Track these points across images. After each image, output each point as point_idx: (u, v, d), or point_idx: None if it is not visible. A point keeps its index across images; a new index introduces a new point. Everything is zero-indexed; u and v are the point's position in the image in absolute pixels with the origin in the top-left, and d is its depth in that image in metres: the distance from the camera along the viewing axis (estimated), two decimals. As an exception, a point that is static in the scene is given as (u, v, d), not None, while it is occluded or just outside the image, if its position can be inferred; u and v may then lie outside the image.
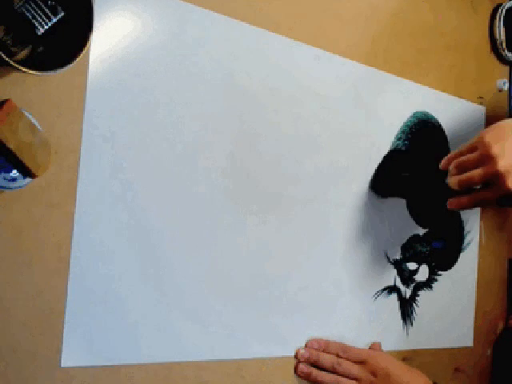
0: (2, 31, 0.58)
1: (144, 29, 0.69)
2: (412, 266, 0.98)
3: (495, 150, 0.77)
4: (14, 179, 0.58)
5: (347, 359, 0.85)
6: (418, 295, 0.99)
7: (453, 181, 0.81)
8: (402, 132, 0.96)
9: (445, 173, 0.83)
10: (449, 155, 0.84)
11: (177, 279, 0.72)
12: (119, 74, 0.67)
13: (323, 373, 0.83)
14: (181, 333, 0.72)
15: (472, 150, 0.80)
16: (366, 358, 0.85)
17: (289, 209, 0.82)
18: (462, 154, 0.82)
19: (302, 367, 0.83)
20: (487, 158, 0.77)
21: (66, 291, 0.64)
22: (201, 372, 0.74)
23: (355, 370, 0.84)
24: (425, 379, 0.87)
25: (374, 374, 0.84)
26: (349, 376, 0.83)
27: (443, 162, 0.84)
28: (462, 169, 0.80)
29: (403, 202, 0.96)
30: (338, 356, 0.85)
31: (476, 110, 1.08)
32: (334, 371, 0.83)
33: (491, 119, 1.11)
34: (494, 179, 0.77)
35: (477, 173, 0.78)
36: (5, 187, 0.58)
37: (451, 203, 0.83)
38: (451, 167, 0.82)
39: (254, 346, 0.79)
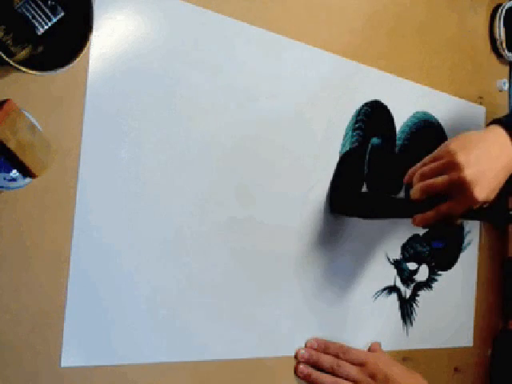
0: (2, 31, 0.58)
1: (144, 29, 0.69)
2: (412, 266, 0.98)
3: (461, 157, 0.73)
4: (13, 179, 0.58)
5: (347, 361, 0.85)
6: (418, 295, 0.99)
7: (414, 189, 0.77)
8: (402, 132, 0.96)
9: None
10: (411, 168, 0.80)
11: (176, 279, 0.72)
12: (119, 73, 0.67)
13: (323, 374, 0.83)
14: (180, 333, 0.72)
15: (436, 159, 0.77)
16: (365, 361, 0.85)
17: (289, 206, 0.82)
18: (425, 165, 0.78)
19: (302, 368, 0.83)
20: (452, 166, 0.74)
21: (66, 291, 0.64)
22: (201, 372, 0.74)
23: (354, 372, 0.84)
24: (424, 383, 0.87)
25: (373, 376, 0.84)
26: (348, 378, 0.83)
27: (406, 176, 0.80)
28: (426, 178, 0.76)
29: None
30: (337, 357, 0.85)
31: (476, 110, 1.08)
32: (333, 372, 0.83)
33: (491, 119, 1.10)
34: (460, 188, 0.73)
35: (440, 179, 0.74)
36: (5, 187, 0.58)
37: (415, 220, 0.78)
38: (414, 178, 0.78)
39: (254, 346, 0.79)
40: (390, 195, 0.92)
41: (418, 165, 0.79)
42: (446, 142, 0.77)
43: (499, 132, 0.78)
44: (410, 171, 0.80)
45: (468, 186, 0.73)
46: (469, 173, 0.73)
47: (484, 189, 0.74)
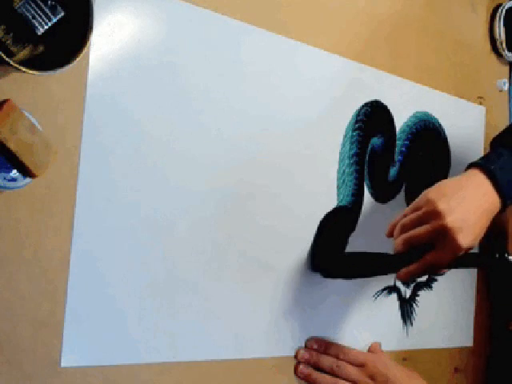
0: (2, 31, 0.58)
1: (144, 29, 0.69)
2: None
3: (441, 205, 0.72)
4: (13, 179, 0.58)
5: (347, 361, 0.85)
6: (418, 295, 0.99)
7: (397, 242, 0.75)
8: (402, 132, 0.96)
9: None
10: (391, 222, 0.78)
11: (177, 278, 0.72)
12: (119, 73, 0.67)
13: (322, 374, 0.83)
14: (180, 333, 0.72)
15: (416, 209, 0.75)
16: (365, 362, 0.85)
17: (286, 206, 0.82)
18: (405, 216, 0.77)
19: (302, 368, 0.83)
20: (433, 214, 0.72)
21: (66, 291, 0.64)
22: (201, 372, 0.74)
23: (354, 373, 0.84)
24: None
25: (372, 377, 0.84)
26: (348, 379, 0.83)
27: (387, 230, 0.78)
28: (407, 230, 0.75)
29: (403, 202, 0.96)
30: (337, 358, 0.85)
31: (476, 110, 1.08)
32: (333, 373, 0.83)
33: (491, 119, 1.11)
34: (443, 236, 0.72)
35: (423, 228, 0.73)
36: (5, 187, 0.58)
37: (400, 275, 0.77)
38: (395, 231, 0.76)
39: (254, 346, 0.79)
40: (372, 253, 0.91)
41: (398, 217, 0.78)
42: (424, 192, 0.76)
43: (478, 177, 0.77)
44: (391, 225, 0.78)
45: (451, 233, 0.72)
46: (450, 220, 0.71)
47: (468, 235, 0.73)
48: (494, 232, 0.83)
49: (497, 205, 0.77)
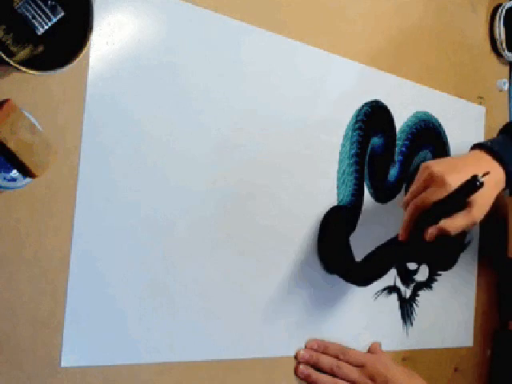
0: (2, 31, 0.58)
1: (144, 29, 0.69)
2: (412, 265, 0.98)
3: (435, 165, 0.78)
4: (13, 179, 0.58)
5: (346, 362, 0.85)
6: (418, 295, 0.99)
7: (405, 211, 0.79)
8: (402, 132, 0.96)
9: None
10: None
11: (177, 279, 0.72)
12: (119, 73, 0.67)
13: (322, 375, 0.83)
14: (180, 333, 0.72)
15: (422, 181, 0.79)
16: (365, 362, 0.85)
17: (288, 206, 0.82)
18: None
19: (302, 369, 0.83)
20: (425, 169, 0.78)
21: (66, 291, 0.64)
22: (201, 372, 0.74)
23: (354, 373, 0.84)
24: None
25: (372, 378, 0.84)
26: (347, 379, 0.83)
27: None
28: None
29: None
30: (337, 358, 0.85)
31: (476, 110, 1.08)
32: (333, 373, 0.83)
33: (491, 119, 1.11)
34: (432, 181, 0.76)
35: (417, 182, 0.78)
36: (5, 187, 0.58)
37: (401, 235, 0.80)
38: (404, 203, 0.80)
39: (254, 346, 0.79)
40: (383, 247, 0.93)
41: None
42: (426, 164, 0.79)
43: (479, 152, 0.82)
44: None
45: (438, 175, 0.75)
46: (437, 168, 0.77)
47: (456, 176, 0.75)
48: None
49: (501, 174, 0.80)
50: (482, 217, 0.78)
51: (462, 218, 0.76)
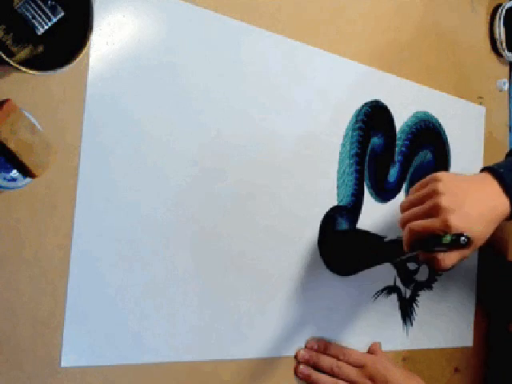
0: (2, 31, 0.58)
1: (144, 29, 0.69)
2: (412, 265, 0.98)
3: (441, 186, 0.73)
4: (13, 179, 0.58)
5: (347, 362, 0.85)
6: (418, 295, 0.99)
7: (398, 220, 0.77)
8: (402, 132, 0.96)
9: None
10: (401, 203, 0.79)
11: (177, 279, 0.72)
12: (119, 73, 0.67)
13: (322, 375, 0.83)
14: (180, 332, 0.72)
15: (421, 187, 0.76)
16: (365, 362, 0.85)
17: (287, 206, 0.82)
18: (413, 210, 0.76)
19: (302, 369, 0.83)
20: (433, 194, 0.73)
21: (66, 291, 0.64)
22: (200, 372, 0.74)
23: (354, 373, 0.84)
24: None
25: (372, 378, 0.84)
26: (347, 379, 0.83)
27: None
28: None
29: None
30: (337, 358, 0.85)
31: (476, 110, 1.08)
32: (333, 374, 0.83)
33: (491, 119, 1.11)
34: (436, 213, 0.72)
35: (420, 208, 0.74)
36: (5, 187, 0.58)
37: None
38: (400, 210, 0.78)
39: (254, 346, 0.79)
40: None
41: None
42: (435, 186, 0.74)
43: (486, 176, 0.77)
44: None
45: (444, 212, 0.71)
46: (445, 199, 0.72)
47: (461, 217, 0.71)
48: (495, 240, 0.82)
49: (505, 206, 0.75)
50: (463, 230, 0.72)
51: (455, 255, 0.73)
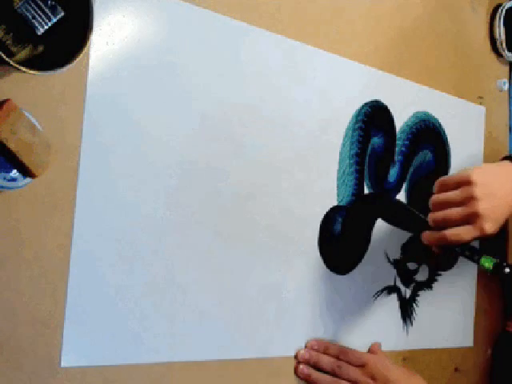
0: (2, 31, 0.58)
1: (144, 29, 0.69)
2: (412, 265, 0.98)
3: (478, 191, 0.76)
4: (13, 179, 0.58)
5: (347, 362, 0.85)
6: (418, 295, 0.99)
7: (431, 217, 0.79)
8: (402, 132, 0.96)
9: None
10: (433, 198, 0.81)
11: (178, 278, 0.72)
12: (119, 73, 0.67)
13: (322, 375, 0.83)
14: (181, 332, 0.72)
15: (456, 185, 0.79)
16: (365, 362, 0.85)
17: (287, 204, 0.82)
18: (442, 186, 0.80)
19: (302, 368, 0.83)
20: (470, 198, 0.76)
21: (66, 291, 0.64)
22: (200, 372, 0.74)
23: (354, 373, 0.84)
24: None
25: (373, 378, 0.84)
26: (348, 379, 0.83)
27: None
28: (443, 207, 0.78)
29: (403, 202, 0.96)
30: (337, 358, 0.85)
31: (476, 110, 1.08)
32: (333, 374, 0.83)
33: (491, 119, 1.11)
34: (473, 220, 0.76)
35: (456, 212, 0.77)
36: (5, 187, 0.58)
37: (424, 236, 0.80)
38: (432, 206, 0.79)
39: (255, 346, 0.79)
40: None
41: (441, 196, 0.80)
42: (467, 170, 0.78)
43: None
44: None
45: (480, 219, 0.75)
46: (483, 207, 0.75)
47: (494, 224, 0.76)
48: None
49: None
50: (494, 232, 0.78)
51: (470, 230, 0.76)
